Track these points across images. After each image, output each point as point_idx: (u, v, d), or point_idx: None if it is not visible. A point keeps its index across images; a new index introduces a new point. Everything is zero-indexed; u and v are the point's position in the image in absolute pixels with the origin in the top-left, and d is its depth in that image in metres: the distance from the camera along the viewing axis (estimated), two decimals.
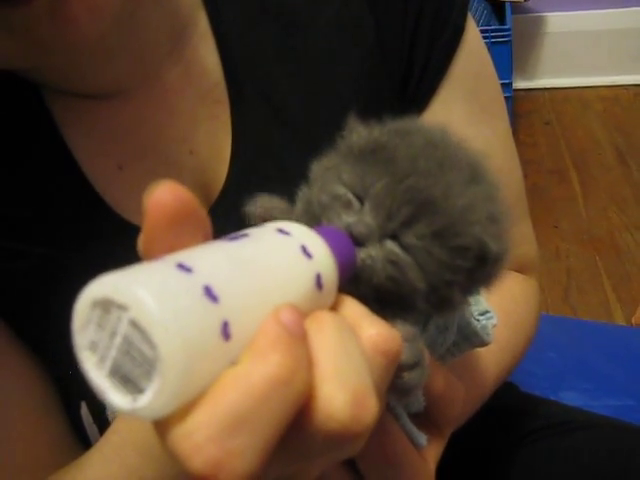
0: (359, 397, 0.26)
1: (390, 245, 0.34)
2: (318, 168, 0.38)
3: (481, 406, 0.57)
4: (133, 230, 0.51)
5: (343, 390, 0.26)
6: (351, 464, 0.43)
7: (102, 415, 0.52)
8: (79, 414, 0.54)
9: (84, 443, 0.55)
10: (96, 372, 0.24)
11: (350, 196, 0.35)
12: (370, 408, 0.27)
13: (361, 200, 0.35)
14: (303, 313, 0.28)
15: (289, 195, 0.40)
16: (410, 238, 0.34)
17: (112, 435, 0.45)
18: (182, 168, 0.54)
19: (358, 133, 0.38)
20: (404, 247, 0.34)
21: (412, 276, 0.34)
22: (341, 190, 0.36)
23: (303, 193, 0.39)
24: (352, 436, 0.27)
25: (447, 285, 0.35)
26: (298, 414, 0.26)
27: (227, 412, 0.24)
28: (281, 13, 0.56)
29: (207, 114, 0.55)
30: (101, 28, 0.42)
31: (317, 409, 0.26)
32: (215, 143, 0.55)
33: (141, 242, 0.27)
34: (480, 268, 0.35)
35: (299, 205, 0.38)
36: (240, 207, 0.54)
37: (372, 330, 0.30)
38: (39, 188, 0.52)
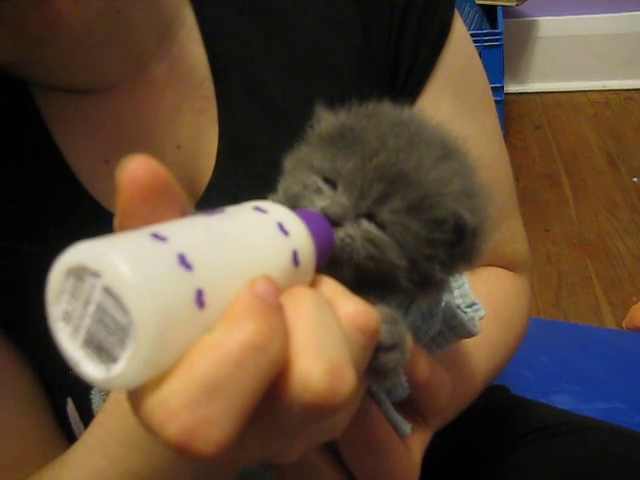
0: (336, 368, 0.26)
1: (365, 224, 0.35)
2: (290, 160, 0.39)
3: (472, 408, 0.57)
4: None
5: (320, 361, 0.26)
6: (337, 455, 0.42)
7: (88, 411, 0.51)
8: (65, 410, 0.54)
9: (70, 440, 0.55)
10: (70, 343, 0.24)
11: (320, 183, 0.36)
12: (347, 380, 0.26)
13: (334, 183, 0.36)
14: (279, 287, 0.27)
15: (275, 189, 0.40)
16: (385, 214, 0.34)
17: (95, 427, 0.45)
18: (168, 163, 0.53)
19: (325, 120, 0.38)
20: (380, 225, 0.35)
21: (391, 253, 0.34)
22: (310, 178, 0.36)
23: (282, 183, 0.39)
24: (329, 408, 0.26)
25: (427, 260, 0.35)
26: (274, 386, 0.26)
27: (201, 379, 0.23)
28: (267, 10, 0.56)
29: (194, 109, 0.55)
30: (87, 20, 0.43)
31: (293, 380, 0.26)
32: (202, 138, 0.55)
33: (116, 219, 0.27)
34: (459, 242, 0.35)
35: (280, 194, 0.39)
36: (226, 202, 0.54)
37: (349, 307, 0.30)
38: (26, 182, 0.52)
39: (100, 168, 0.53)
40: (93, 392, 0.50)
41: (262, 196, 0.39)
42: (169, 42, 0.54)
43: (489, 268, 0.66)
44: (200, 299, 0.24)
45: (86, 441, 0.45)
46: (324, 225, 0.33)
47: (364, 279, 0.35)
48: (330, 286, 0.31)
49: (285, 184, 0.38)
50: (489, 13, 2.46)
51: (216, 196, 0.54)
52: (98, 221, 0.51)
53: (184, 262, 0.24)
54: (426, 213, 0.34)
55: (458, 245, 0.35)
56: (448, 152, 0.37)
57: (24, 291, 0.51)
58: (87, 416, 0.51)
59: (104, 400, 0.49)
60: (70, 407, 0.53)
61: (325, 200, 0.35)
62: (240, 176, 0.54)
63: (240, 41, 0.55)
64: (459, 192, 0.35)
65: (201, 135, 0.55)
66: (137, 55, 0.52)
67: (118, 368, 0.23)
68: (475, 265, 0.38)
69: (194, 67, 0.54)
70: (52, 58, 0.48)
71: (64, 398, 0.53)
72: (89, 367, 0.24)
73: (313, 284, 0.31)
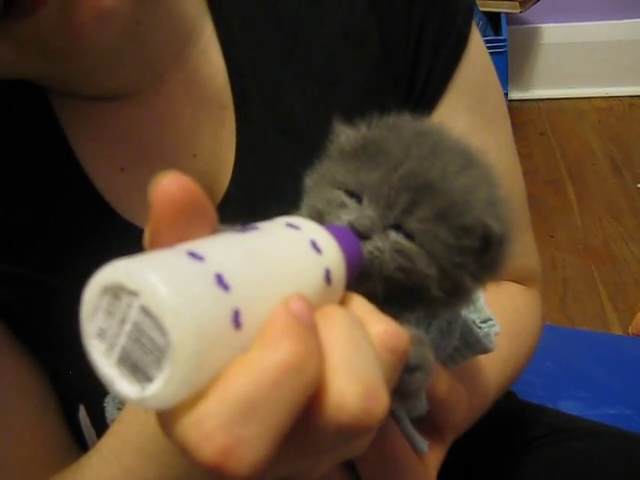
0: (370, 390, 0.26)
1: (394, 235, 0.34)
2: (311, 177, 0.39)
3: (482, 414, 0.57)
4: (135, 231, 0.52)
5: (354, 382, 0.26)
6: (353, 469, 0.42)
7: (100, 418, 0.51)
8: (77, 417, 0.54)
9: (81, 446, 0.55)
10: (104, 360, 0.24)
11: (344, 197, 0.36)
12: (381, 401, 0.26)
13: (359, 196, 0.35)
14: (313, 305, 0.27)
15: (292, 200, 0.40)
16: (413, 224, 0.34)
17: (111, 437, 0.45)
18: (185, 171, 0.53)
19: (346, 134, 0.38)
20: (408, 235, 0.34)
21: (421, 262, 0.34)
22: (334, 193, 0.36)
23: (305, 201, 0.39)
24: (363, 429, 0.26)
25: (457, 268, 0.35)
26: (309, 407, 0.26)
27: (237, 399, 0.23)
28: (286, 19, 0.56)
29: (211, 118, 0.55)
30: (109, 36, 0.43)
31: (328, 401, 0.26)
32: (219, 148, 0.55)
33: (147, 234, 0.27)
34: (486, 250, 0.35)
35: (304, 211, 0.39)
36: (243, 211, 0.54)
37: (380, 327, 0.30)
38: (42, 189, 0.52)
39: (117, 176, 0.53)
40: (107, 400, 0.50)
41: (279, 206, 0.39)
42: (188, 51, 0.54)
43: (501, 283, 0.66)
44: (237, 320, 0.24)
45: (101, 451, 0.45)
46: (353, 241, 0.33)
47: (393, 291, 0.35)
48: (360, 305, 0.31)
49: (308, 201, 0.38)
50: (493, 20, 2.46)
51: (233, 205, 0.54)
52: (113, 228, 0.52)
53: (221, 282, 0.24)
54: (454, 220, 0.34)
55: (485, 253, 0.35)
56: (470, 161, 0.37)
57: (38, 299, 0.52)
58: (99, 423, 0.52)
59: (118, 409, 0.50)
60: (82, 414, 0.53)
61: (351, 214, 0.35)
62: (257, 185, 0.55)
63: (259, 51, 0.55)
64: (485, 200, 0.35)
65: (218, 144, 0.55)
66: (156, 63, 0.53)
67: (154, 388, 0.23)
68: (499, 276, 0.38)
69: (212, 76, 0.55)
70: (73, 70, 0.48)
71: (76, 404, 0.53)
72: (123, 385, 0.23)
73: (342, 302, 0.31)
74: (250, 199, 0.55)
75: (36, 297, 0.52)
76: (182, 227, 0.26)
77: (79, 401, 0.53)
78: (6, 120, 0.52)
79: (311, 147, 0.39)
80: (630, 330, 1.65)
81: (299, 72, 0.56)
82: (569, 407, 1.00)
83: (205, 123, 0.55)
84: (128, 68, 0.51)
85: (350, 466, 0.42)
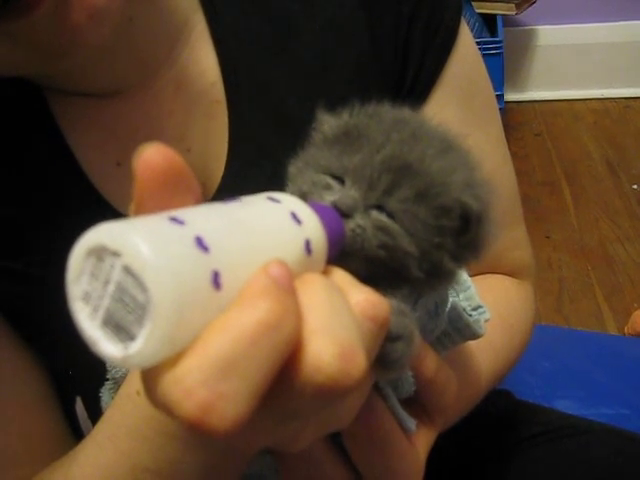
0: (347, 351, 0.26)
1: (375, 214, 0.35)
2: (295, 165, 0.40)
3: (478, 412, 0.57)
4: None
5: (331, 344, 0.26)
6: (348, 457, 0.42)
7: (97, 410, 0.51)
8: (74, 409, 0.54)
9: (79, 438, 0.54)
10: (89, 323, 0.24)
11: (329, 179, 0.37)
12: (358, 362, 0.27)
13: (341, 180, 0.37)
14: (292, 272, 0.28)
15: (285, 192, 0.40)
16: (394, 204, 0.35)
17: (105, 422, 0.45)
18: None
19: (328, 122, 0.39)
20: (389, 214, 0.36)
21: (402, 240, 0.35)
22: (319, 177, 0.37)
23: (289, 188, 0.40)
24: (341, 391, 0.26)
25: (437, 248, 0.36)
26: (287, 367, 0.26)
27: (217, 356, 0.24)
28: (278, 15, 0.57)
29: (204, 113, 0.55)
30: (102, 34, 0.43)
31: (305, 362, 0.26)
32: (212, 142, 0.56)
33: (132, 205, 0.28)
34: (465, 230, 0.36)
35: None
36: None
37: (360, 296, 0.30)
38: (39, 184, 0.52)
39: (112, 171, 0.53)
40: (102, 390, 0.50)
41: None
42: (180, 47, 0.55)
43: (494, 276, 0.67)
44: (216, 280, 0.25)
45: (95, 436, 0.46)
46: (335, 217, 0.34)
47: (375, 271, 0.36)
48: (341, 276, 0.32)
49: (292, 187, 0.39)
50: (489, 22, 2.47)
51: (226, 198, 0.54)
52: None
53: (201, 244, 0.25)
54: (433, 201, 0.35)
55: (465, 233, 0.36)
56: (449, 145, 0.38)
57: (36, 293, 0.52)
58: (96, 415, 0.51)
59: (113, 397, 0.50)
60: (79, 406, 0.54)
61: (335, 194, 0.36)
62: (249, 179, 0.55)
63: (250, 46, 0.56)
64: (462, 182, 0.36)
65: (211, 138, 0.56)
66: (149, 60, 0.53)
67: (136, 346, 0.23)
68: (482, 256, 0.38)
69: (205, 71, 0.55)
70: (68, 68, 0.49)
71: (73, 397, 0.54)
72: (107, 346, 0.24)
73: (324, 274, 0.32)
74: (243, 192, 0.54)
75: (33, 292, 0.52)
76: (165, 197, 0.27)
77: (76, 393, 0.54)
78: (2, 116, 0.52)
79: (302, 140, 0.39)
80: (626, 330, 1.66)
81: (289, 67, 0.57)
82: (566, 407, 1.00)
83: (198, 118, 0.55)
84: (121, 64, 0.52)
85: (341, 448, 0.42)
